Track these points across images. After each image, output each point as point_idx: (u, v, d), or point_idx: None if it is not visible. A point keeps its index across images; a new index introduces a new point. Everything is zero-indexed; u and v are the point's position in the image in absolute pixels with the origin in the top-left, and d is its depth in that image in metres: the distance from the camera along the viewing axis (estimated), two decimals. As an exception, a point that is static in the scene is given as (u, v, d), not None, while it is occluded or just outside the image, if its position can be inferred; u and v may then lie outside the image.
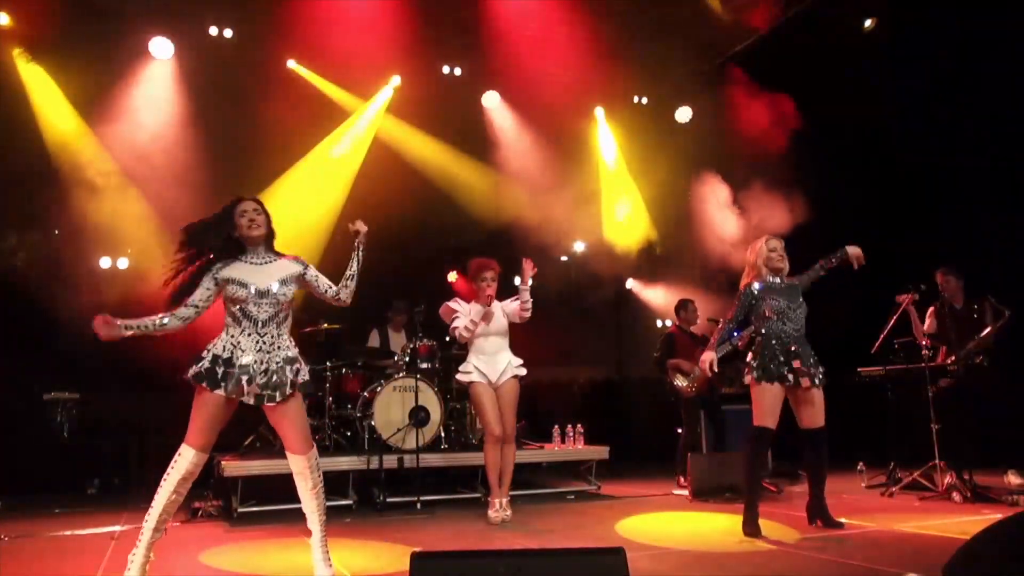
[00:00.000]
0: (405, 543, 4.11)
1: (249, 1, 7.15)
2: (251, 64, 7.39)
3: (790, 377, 4.22)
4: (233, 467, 5.01)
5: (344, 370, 6.60)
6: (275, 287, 3.22)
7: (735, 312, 4.47)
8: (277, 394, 3.16)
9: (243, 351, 3.15)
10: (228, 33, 7.30)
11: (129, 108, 7.12)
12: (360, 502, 5.42)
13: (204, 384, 3.07)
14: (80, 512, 5.38)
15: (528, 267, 4.80)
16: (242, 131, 7.00)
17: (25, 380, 6.55)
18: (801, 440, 4.45)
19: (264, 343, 3.19)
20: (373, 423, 5.91)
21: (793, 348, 4.29)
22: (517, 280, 4.94)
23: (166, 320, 3.15)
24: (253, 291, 3.18)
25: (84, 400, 6.78)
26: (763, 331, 4.38)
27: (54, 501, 5.74)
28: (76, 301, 6.61)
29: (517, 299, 4.91)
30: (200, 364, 3.11)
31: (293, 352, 3.26)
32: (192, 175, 6.88)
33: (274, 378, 3.16)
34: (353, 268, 3.45)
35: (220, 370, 3.10)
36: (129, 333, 3.07)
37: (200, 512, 5.13)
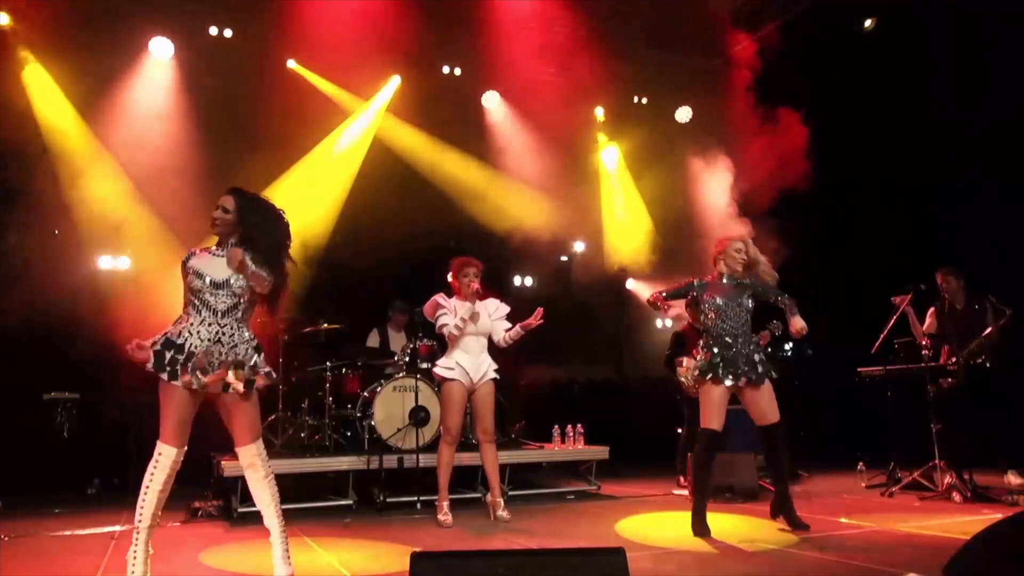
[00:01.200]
0: (405, 543, 4.11)
1: (249, 1, 7.14)
2: (251, 64, 7.38)
3: (729, 378, 4.26)
4: (233, 467, 4.99)
5: (344, 370, 6.59)
6: (232, 279, 3.21)
7: (673, 289, 4.59)
8: (230, 386, 3.15)
9: (200, 340, 3.14)
10: (228, 33, 7.29)
11: (129, 108, 7.11)
12: (360, 502, 5.42)
13: (164, 376, 3.06)
14: (80, 512, 5.39)
15: (536, 316, 4.84)
16: (242, 131, 6.99)
17: (25, 380, 6.55)
18: (760, 437, 4.46)
19: (224, 334, 3.18)
20: (373, 423, 5.90)
21: (730, 348, 4.33)
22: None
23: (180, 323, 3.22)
24: (208, 282, 3.18)
25: (84, 400, 6.78)
26: (706, 330, 4.47)
27: (54, 501, 5.74)
28: (76, 301, 6.63)
29: (508, 325, 4.98)
30: (158, 354, 3.09)
31: (253, 345, 3.25)
32: (192, 175, 6.88)
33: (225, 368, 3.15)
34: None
35: (179, 360, 3.09)
36: (158, 347, 3.12)
37: (200, 512, 5.13)
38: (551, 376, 8.91)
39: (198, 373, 3.09)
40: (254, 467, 3.26)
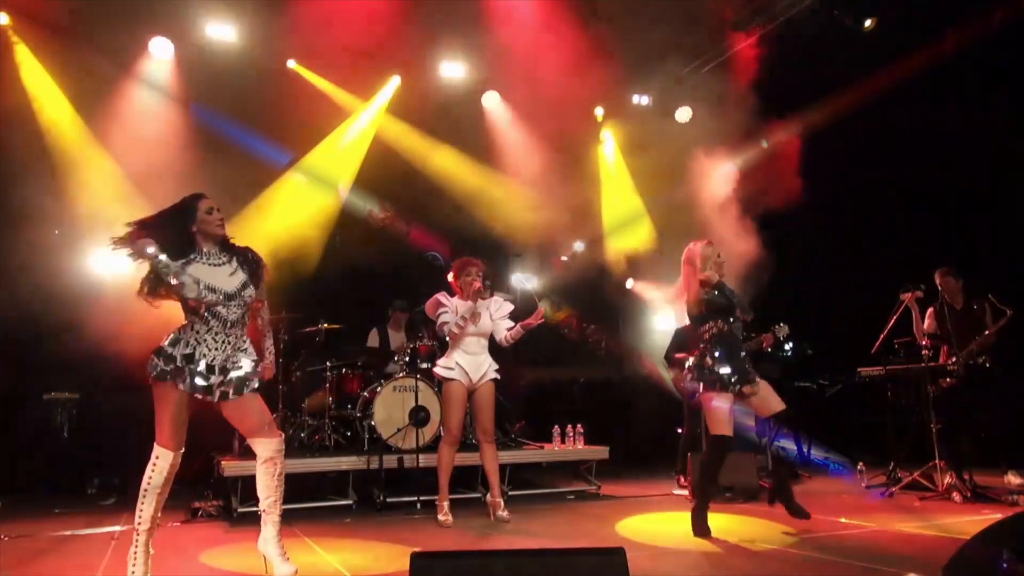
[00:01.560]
0: (405, 543, 4.11)
1: (249, 1, 7.14)
2: (251, 64, 7.38)
3: (737, 387, 4.30)
4: (233, 467, 5.00)
5: (344, 370, 6.60)
6: (243, 290, 3.26)
7: (708, 308, 4.38)
8: (232, 392, 3.18)
9: (207, 349, 3.17)
10: (228, 33, 7.29)
11: (128, 108, 7.12)
12: (360, 502, 5.42)
13: (173, 381, 3.08)
14: (80, 512, 5.39)
15: (537, 316, 4.86)
16: (242, 131, 6.99)
17: (25, 380, 6.55)
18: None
19: (229, 343, 3.22)
20: (373, 423, 5.91)
21: (739, 360, 4.36)
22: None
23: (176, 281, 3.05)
24: (222, 295, 3.19)
25: (84, 400, 6.78)
26: (714, 340, 4.41)
27: (54, 501, 5.74)
28: (75, 300, 6.62)
29: (511, 324, 4.97)
30: (163, 360, 3.11)
31: (251, 352, 3.31)
32: (191, 175, 6.87)
33: (231, 375, 3.19)
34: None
35: (184, 367, 3.12)
36: (150, 252, 3.03)
37: (200, 512, 5.13)
38: (551, 376, 8.90)
39: (205, 378, 3.12)
40: (273, 462, 3.25)
